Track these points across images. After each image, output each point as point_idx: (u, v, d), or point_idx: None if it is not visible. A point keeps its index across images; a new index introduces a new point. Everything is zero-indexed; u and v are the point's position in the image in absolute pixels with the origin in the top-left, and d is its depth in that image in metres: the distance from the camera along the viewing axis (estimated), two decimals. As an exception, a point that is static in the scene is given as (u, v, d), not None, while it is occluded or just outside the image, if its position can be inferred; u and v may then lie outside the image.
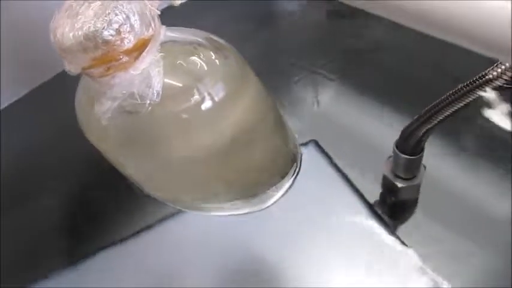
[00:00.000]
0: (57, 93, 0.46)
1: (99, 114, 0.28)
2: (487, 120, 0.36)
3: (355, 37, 0.50)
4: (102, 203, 0.40)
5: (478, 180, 0.38)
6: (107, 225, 0.39)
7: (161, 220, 0.39)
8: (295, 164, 0.40)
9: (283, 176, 0.39)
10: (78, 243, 0.38)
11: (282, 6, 0.55)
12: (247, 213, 0.38)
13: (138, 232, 0.38)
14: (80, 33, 0.24)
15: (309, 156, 0.41)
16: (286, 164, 0.40)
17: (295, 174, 0.40)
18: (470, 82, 0.26)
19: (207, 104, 0.30)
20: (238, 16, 0.52)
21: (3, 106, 0.46)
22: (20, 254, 0.38)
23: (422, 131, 0.31)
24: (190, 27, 0.31)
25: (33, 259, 0.38)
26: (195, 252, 0.37)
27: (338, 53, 0.49)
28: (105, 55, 0.25)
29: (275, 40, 0.52)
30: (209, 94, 0.30)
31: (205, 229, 0.38)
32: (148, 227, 0.38)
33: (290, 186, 0.39)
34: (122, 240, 0.38)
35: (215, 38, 0.32)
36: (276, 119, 0.38)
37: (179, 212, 0.39)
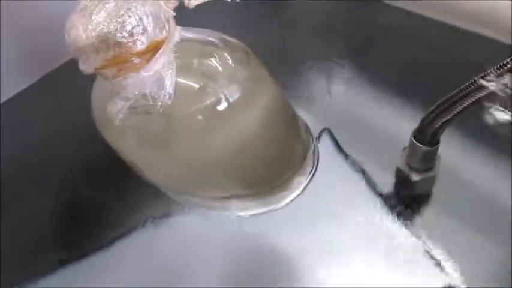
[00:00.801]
0: (56, 87, 0.46)
1: (111, 114, 0.28)
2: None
3: (367, 23, 0.48)
4: (104, 198, 0.40)
5: (494, 173, 0.37)
6: (108, 221, 0.38)
7: (167, 215, 0.39)
8: (311, 162, 0.40)
9: (297, 175, 0.39)
10: (79, 239, 0.38)
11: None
12: (264, 212, 0.38)
13: (140, 228, 0.38)
14: (92, 34, 0.24)
15: (321, 146, 0.40)
16: (301, 162, 0.39)
17: (311, 174, 0.39)
18: (490, 71, 0.25)
19: (221, 105, 0.30)
20: (246, 3, 0.51)
21: (3, 100, 0.46)
22: (18, 251, 0.38)
23: (440, 123, 0.30)
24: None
25: (32, 256, 0.37)
26: (204, 251, 0.37)
27: (350, 39, 0.48)
28: (117, 57, 0.25)
29: (285, 27, 0.51)
30: (224, 95, 0.30)
31: (215, 226, 0.38)
32: (153, 222, 0.38)
33: (306, 186, 0.39)
34: (123, 235, 0.37)
35: (230, 39, 0.31)
36: (291, 118, 0.38)
37: (191, 207, 0.39)
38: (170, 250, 0.37)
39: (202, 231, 0.38)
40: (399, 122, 0.40)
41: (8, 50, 0.42)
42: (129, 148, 0.32)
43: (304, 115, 0.41)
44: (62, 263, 0.36)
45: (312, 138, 0.41)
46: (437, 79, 0.40)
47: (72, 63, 0.44)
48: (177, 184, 0.37)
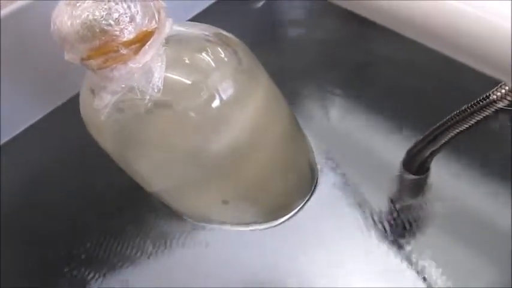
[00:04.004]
0: (56, 127, 0.47)
1: (98, 109, 0.27)
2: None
3: (363, 52, 0.48)
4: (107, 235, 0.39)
5: (486, 196, 0.36)
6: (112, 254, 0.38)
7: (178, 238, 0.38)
8: (314, 180, 0.38)
9: (303, 189, 0.38)
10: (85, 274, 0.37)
11: (288, 21, 0.54)
12: (262, 228, 0.37)
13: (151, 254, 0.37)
14: (77, 21, 0.23)
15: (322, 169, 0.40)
16: (305, 177, 0.38)
17: (311, 191, 0.38)
18: (473, 104, 0.25)
19: (215, 102, 0.28)
20: (243, 32, 0.51)
21: (3, 141, 0.46)
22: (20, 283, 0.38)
23: (428, 152, 0.31)
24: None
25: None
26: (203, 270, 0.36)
27: (345, 68, 0.48)
28: (103, 46, 0.24)
29: (281, 57, 0.51)
30: (217, 91, 0.28)
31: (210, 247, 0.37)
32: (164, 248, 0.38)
33: (305, 203, 0.38)
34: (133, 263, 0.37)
35: (225, 33, 0.30)
36: (291, 124, 0.37)
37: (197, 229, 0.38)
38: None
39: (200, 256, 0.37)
40: (396, 149, 0.39)
41: (8, 90, 0.42)
42: (115, 146, 0.31)
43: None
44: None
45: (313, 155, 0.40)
46: (433, 106, 0.40)
47: (72, 103, 0.41)
48: (170, 190, 0.35)
